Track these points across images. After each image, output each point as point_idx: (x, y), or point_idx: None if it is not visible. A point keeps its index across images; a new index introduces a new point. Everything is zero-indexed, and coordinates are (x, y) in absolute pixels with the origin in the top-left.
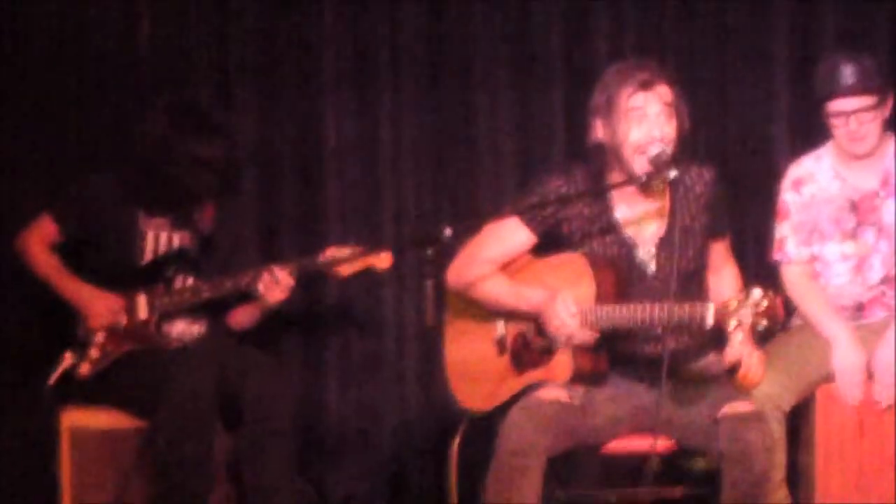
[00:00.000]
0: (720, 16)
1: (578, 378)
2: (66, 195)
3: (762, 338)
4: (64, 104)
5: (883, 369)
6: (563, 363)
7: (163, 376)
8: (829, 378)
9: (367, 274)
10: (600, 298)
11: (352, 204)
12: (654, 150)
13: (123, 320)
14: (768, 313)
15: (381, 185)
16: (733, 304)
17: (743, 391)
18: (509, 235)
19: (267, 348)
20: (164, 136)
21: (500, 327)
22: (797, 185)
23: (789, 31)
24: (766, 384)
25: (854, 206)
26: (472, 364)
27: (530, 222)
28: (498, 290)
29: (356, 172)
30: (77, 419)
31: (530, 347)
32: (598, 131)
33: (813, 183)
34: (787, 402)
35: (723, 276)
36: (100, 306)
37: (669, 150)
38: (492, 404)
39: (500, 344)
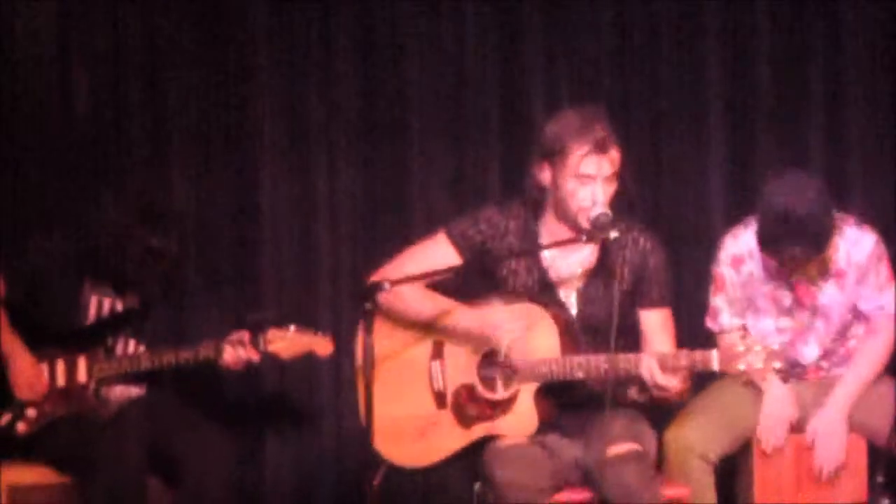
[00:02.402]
0: (654, 69)
1: (544, 427)
2: (12, 255)
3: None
4: (7, 166)
5: (822, 436)
6: (525, 413)
7: (99, 440)
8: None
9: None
10: (564, 350)
11: (288, 263)
12: (595, 212)
13: (61, 381)
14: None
15: (317, 244)
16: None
17: None
18: (436, 252)
19: (205, 409)
20: (117, 226)
21: (438, 380)
22: (736, 263)
23: (724, 82)
24: (691, 434)
25: (791, 286)
26: (404, 420)
27: (458, 242)
28: (419, 296)
29: (292, 232)
30: (15, 476)
31: (479, 400)
32: (543, 175)
33: (751, 261)
34: (714, 452)
35: (653, 347)
36: (22, 380)
37: (610, 212)
38: (428, 461)
39: (439, 397)
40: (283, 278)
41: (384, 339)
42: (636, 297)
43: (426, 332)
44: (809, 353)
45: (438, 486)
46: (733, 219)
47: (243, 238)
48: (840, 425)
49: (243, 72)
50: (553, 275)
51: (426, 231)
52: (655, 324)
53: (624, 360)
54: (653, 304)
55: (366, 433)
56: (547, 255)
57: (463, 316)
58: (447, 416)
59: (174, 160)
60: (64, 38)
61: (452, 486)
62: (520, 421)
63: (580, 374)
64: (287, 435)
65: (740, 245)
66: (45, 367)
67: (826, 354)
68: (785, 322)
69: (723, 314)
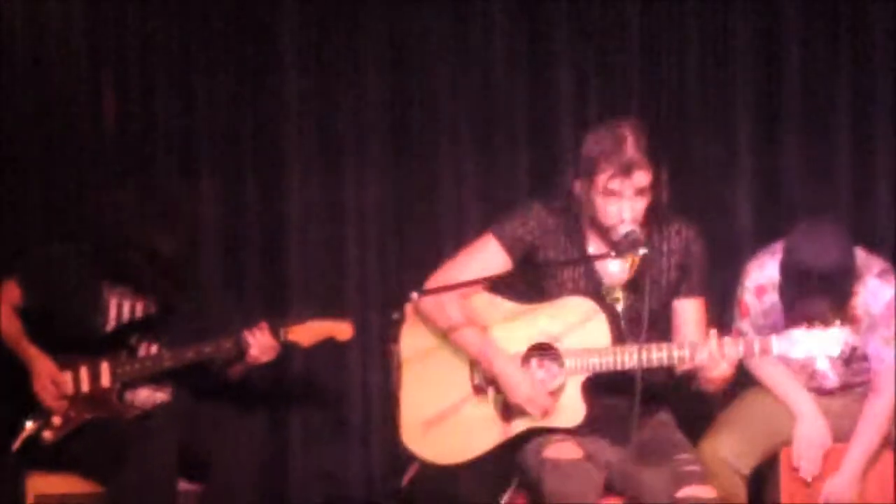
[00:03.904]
0: (683, 79)
1: (590, 423)
2: (30, 262)
3: None
4: (32, 172)
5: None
6: (572, 408)
7: (124, 445)
8: (789, 442)
9: (330, 343)
10: (612, 335)
11: (315, 272)
12: (623, 230)
13: (85, 387)
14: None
15: (345, 253)
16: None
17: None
18: (486, 257)
19: (232, 415)
20: (124, 225)
21: (480, 373)
22: (759, 293)
23: (752, 92)
24: (725, 446)
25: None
26: (442, 415)
27: (510, 246)
28: (449, 311)
29: (320, 240)
30: (42, 486)
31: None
32: (576, 186)
33: (774, 291)
34: (747, 465)
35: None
36: (46, 387)
37: (638, 230)
38: (466, 457)
39: (479, 391)
40: (311, 287)
41: (428, 334)
42: (675, 288)
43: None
44: (829, 383)
45: (466, 493)
46: (760, 229)
47: (271, 246)
48: (852, 490)
49: (272, 80)
50: (605, 279)
51: (454, 240)
52: (690, 313)
53: (679, 349)
54: (691, 291)
55: (394, 436)
56: (592, 254)
57: (472, 342)
58: (487, 410)
59: (203, 169)
60: (93, 48)
61: (480, 494)
62: (566, 413)
63: (632, 364)
64: (315, 438)
65: (763, 275)
66: (68, 374)
67: (844, 386)
68: None
69: (748, 336)
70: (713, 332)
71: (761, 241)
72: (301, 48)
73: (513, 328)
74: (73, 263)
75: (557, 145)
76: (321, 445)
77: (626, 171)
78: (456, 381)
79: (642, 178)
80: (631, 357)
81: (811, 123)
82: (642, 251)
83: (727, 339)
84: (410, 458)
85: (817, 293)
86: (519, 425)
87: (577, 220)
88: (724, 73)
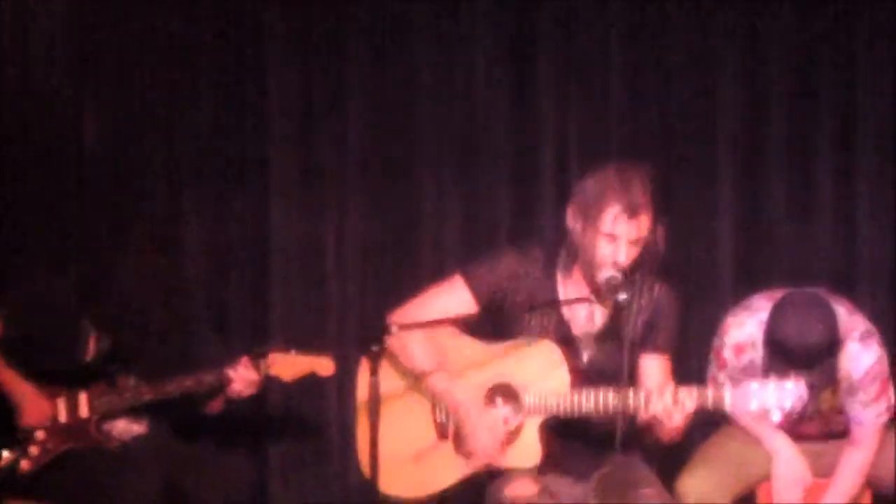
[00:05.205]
0: (665, 109)
1: (548, 462)
2: (11, 292)
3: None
4: (16, 194)
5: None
6: (528, 448)
7: (104, 476)
8: (765, 478)
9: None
10: (573, 385)
11: (296, 302)
12: (605, 274)
13: (63, 417)
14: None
15: (326, 283)
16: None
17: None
18: (452, 297)
19: (211, 447)
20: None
21: (442, 411)
22: (738, 351)
23: (735, 127)
24: (701, 481)
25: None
26: (405, 449)
27: (476, 289)
28: (416, 349)
29: (300, 270)
30: None
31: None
32: (569, 220)
33: (753, 350)
34: (722, 501)
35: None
36: (31, 407)
37: (620, 276)
38: (424, 493)
39: (442, 429)
40: (291, 317)
41: (391, 373)
42: (641, 342)
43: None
44: (808, 429)
45: None
46: (742, 265)
47: (252, 275)
48: None
49: (254, 109)
50: (574, 328)
51: (435, 271)
52: (654, 369)
53: (635, 396)
54: (656, 349)
55: (369, 472)
56: (566, 309)
57: (439, 384)
58: (448, 447)
59: (185, 197)
60: (77, 74)
61: None
62: (522, 452)
63: (588, 408)
64: (293, 473)
65: (743, 334)
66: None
67: (822, 435)
68: None
69: (725, 387)
70: (670, 384)
71: (742, 280)
72: (284, 75)
73: (477, 368)
74: (56, 294)
75: (540, 178)
76: (302, 476)
77: (633, 211)
78: (420, 419)
79: (645, 223)
80: (588, 401)
81: (794, 161)
82: (622, 297)
83: (682, 390)
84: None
85: (801, 368)
86: (478, 462)
87: (552, 266)
88: (708, 101)
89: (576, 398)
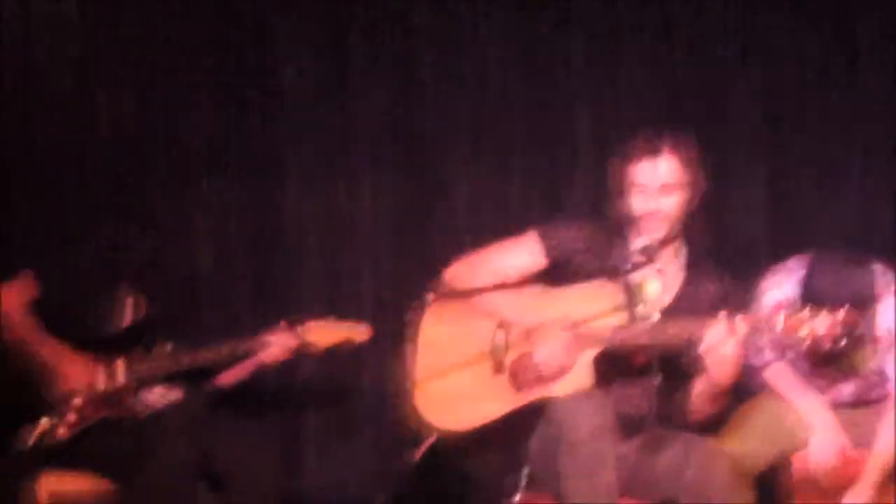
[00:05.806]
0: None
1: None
2: (49, 257)
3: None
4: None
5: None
6: (581, 374)
7: (140, 443)
8: (802, 446)
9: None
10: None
11: (310, 284)
12: (641, 243)
13: (101, 384)
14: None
15: (341, 264)
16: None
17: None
18: (522, 250)
19: (245, 417)
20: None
21: (500, 339)
22: (777, 311)
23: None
24: (736, 446)
25: None
26: (459, 387)
27: (549, 242)
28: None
29: (314, 252)
30: (55, 484)
31: (535, 368)
32: (617, 199)
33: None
34: (756, 466)
35: None
36: (75, 369)
37: (656, 245)
38: (471, 424)
39: (498, 364)
40: (305, 299)
41: (452, 309)
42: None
43: None
44: (843, 397)
45: (477, 469)
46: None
47: (265, 259)
48: (872, 500)
49: (265, 94)
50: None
51: (449, 251)
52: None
53: (691, 325)
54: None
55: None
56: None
57: (507, 311)
58: (502, 380)
59: (195, 182)
60: (87, 64)
61: (491, 470)
62: (575, 379)
63: (644, 340)
64: (328, 441)
65: (781, 294)
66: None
67: (858, 401)
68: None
69: (766, 350)
70: (723, 312)
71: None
72: (293, 61)
73: (543, 298)
74: (92, 261)
75: (552, 157)
76: (335, 449)
77: (653, 150)
78: (475, 356)
79: (673, 163)
80: (645, 332)
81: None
82: (657, 267)
83: (737, 316)
84: (422, 430)
85: None
86: (530, 394)
87: (622, 236)
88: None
89: (636, 329)
